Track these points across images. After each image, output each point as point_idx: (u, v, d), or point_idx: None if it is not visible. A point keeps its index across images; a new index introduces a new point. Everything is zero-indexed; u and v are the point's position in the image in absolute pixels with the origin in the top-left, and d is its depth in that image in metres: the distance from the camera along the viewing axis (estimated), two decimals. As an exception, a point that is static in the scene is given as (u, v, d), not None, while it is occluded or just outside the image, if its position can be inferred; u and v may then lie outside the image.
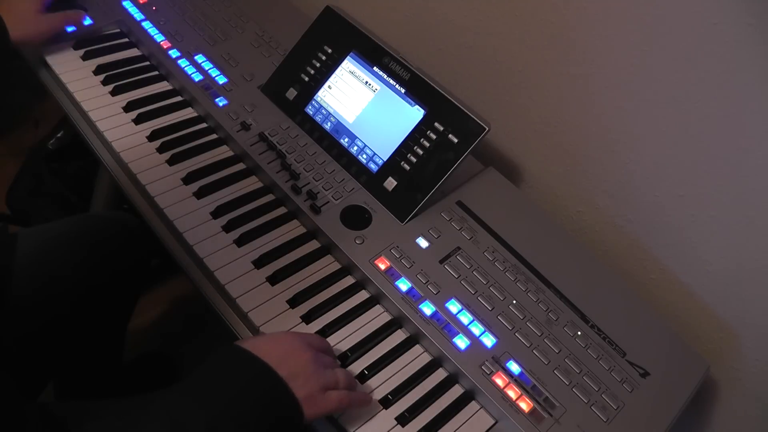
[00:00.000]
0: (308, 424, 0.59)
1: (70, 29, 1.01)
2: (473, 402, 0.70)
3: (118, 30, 1.03)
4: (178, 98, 0.94)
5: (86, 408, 0.57)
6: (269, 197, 0.84)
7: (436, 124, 0.82)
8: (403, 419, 0.66)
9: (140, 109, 0.90)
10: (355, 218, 0.81)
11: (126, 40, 1.02)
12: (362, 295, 0.76)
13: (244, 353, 0.58)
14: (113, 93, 0.92)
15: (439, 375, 0.71)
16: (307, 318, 0.72)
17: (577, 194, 0.94)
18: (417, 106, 0.84)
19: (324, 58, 0.91)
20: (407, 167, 0.83)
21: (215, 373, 0.57)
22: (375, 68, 0.88)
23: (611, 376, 0.72)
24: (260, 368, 0.57)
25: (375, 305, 0.76)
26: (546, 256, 0.81)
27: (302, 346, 0.62)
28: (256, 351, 0.58)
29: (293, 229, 0.81)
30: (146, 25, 1.01)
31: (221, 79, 0.95)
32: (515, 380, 0.69)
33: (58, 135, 1.37)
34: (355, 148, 0.87)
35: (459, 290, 0.75)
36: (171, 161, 0.85)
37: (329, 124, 0.89)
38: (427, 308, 0.73)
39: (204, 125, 0.92)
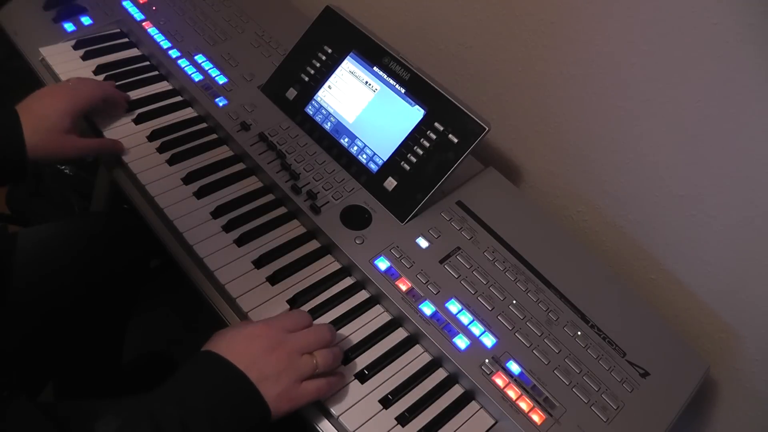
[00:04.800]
0: (288, 416, 0.60)
1: (70, 29, 1.01)
2: (473, 402, 0.70)
3: (118, 30, 1.03)
4: (178, 98, 0.95)
5: (87, 408, 0.57)
6: (269, 197, 0.84)
7: (436, 124, 0.82)
8: (403, 419, 0.66)
9: (140, 109, 0.91)
10: (355, 218, 0.81)
11: (126, 40, 1.02)
12: (362, 295, 0.76)
13: (216, 359, 0.59)
14: (113, 93, 0.92)
15: (439, 375, 0.71)
16: (307, 318, 0.72)
17: (577, 194, 0.94)
18: (417, 106, 0.84)
19: (324, 58, 0.91)
20: (407, 167, 0.83)
21: (189, 376, 0.59)
22: (375, 68, 0.88)
23: (611, 376, 0.72)
24: (231, 373, 0.58)
25: (375, 305, 0.76)
26: (546, 256, 0.81)
27: (275, 342, 0.61)
28: (229, 353, 0.59)
29: (293, 229, 0.81)
30: (146, 25, 1.01)
31: (221, 79, 0.95)
32: (515, 380, 0.69)
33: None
34: (355, 148, 0.87)
35: (459, 290, 0.75)
36: (171, 161, 0.85)
37: (329, 124, 0.89)
38: (427, 308, 0.73)
39: (204, 125, 0.92)
